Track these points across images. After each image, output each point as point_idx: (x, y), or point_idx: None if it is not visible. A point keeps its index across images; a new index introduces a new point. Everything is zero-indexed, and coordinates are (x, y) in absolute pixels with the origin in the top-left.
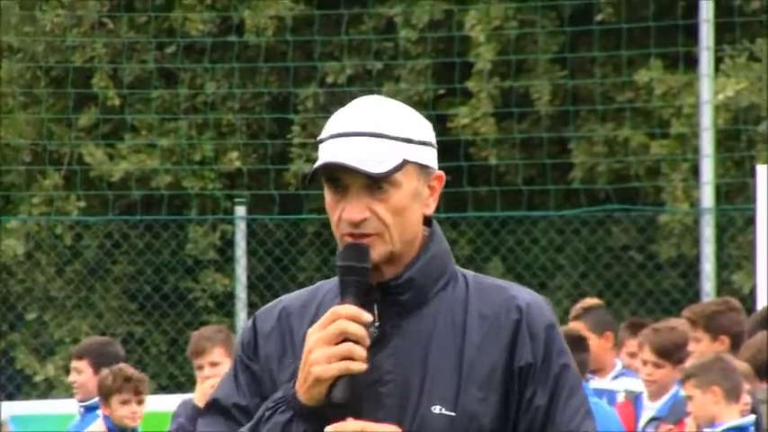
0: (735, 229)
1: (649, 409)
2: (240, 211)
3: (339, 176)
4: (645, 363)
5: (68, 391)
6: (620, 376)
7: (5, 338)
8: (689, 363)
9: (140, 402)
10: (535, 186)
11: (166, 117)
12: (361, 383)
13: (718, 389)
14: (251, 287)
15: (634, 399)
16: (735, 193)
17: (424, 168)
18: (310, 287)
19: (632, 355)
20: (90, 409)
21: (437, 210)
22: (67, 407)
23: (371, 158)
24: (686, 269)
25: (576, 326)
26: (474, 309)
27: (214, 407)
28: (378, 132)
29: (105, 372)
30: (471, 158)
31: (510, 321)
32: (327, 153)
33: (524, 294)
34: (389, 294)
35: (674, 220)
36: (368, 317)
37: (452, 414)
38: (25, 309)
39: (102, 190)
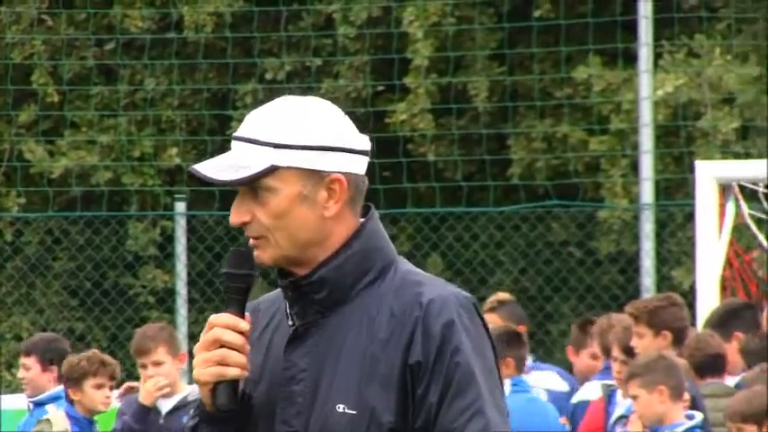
0: (674, 224)
1: (621, 405)
2: (180, 207)
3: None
4: (615, 360)
5: (9, 387)
6: (531, 371)
7: None
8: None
9: (112, 389)
10: (474, 182)
11: (106, 113)
12: (278, 382)
13: (664, 388)
14: (191, 283)
15: (608, 395)
16: (674, 188)
17: (311, 173)
18: None
19: (594, 356)
20: (39, 405)
21: (376, 206)
22: (10, 402)
23: (234, 165)
24: (626, 265)
25: (491, 318)
26: (386, 306)
27: None
28: (250, 138)
29: (75, 357)
30: (410, 154)
31: (411, 318)
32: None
33: (434, 291)
34: (304, 293)
35: (613, 216)
36: (245, 325)
37: (353, 413)
38: None
39: (43, 186)
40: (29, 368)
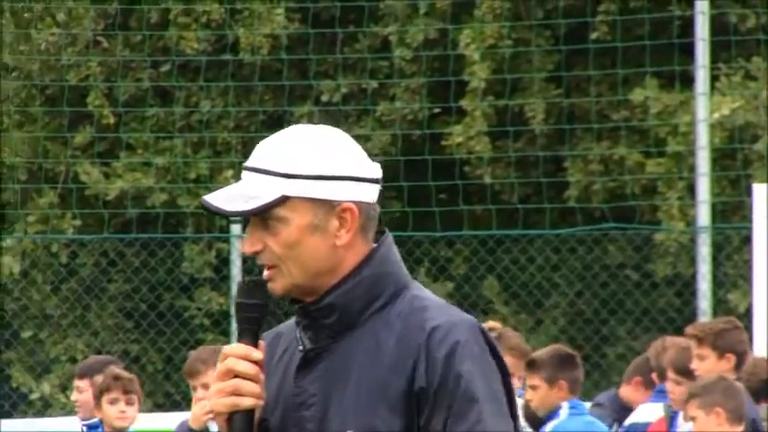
0: (731, 247)
1: (682, 428)
2: (236, 229)
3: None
4: (670, 381)
5: (64, 409)
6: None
7: (1, 356)
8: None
9: (129, 403)
10: (531, 205)
11: (161, 135)
12: (290, 407)
13: (721, 410)
14: None
15: (669, 417)
16: (731, 211)
17: (322, 202)
18: None
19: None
20: (92, 428)
21: (433, 228)
22: (64, 425)
23: (244, 195)
24: (682, 288)
25: None
26: (395, 331)
27: None
28: (261, 168)
29: (101, 376)
30: (466, 177)
31: (415, 344)
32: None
33: (441, 317)
34: (314, 318)
35: (669, 239)
36: (257, 355)
37: None
38: (21, 327)
39: (98, 208)
40: (82, 391)
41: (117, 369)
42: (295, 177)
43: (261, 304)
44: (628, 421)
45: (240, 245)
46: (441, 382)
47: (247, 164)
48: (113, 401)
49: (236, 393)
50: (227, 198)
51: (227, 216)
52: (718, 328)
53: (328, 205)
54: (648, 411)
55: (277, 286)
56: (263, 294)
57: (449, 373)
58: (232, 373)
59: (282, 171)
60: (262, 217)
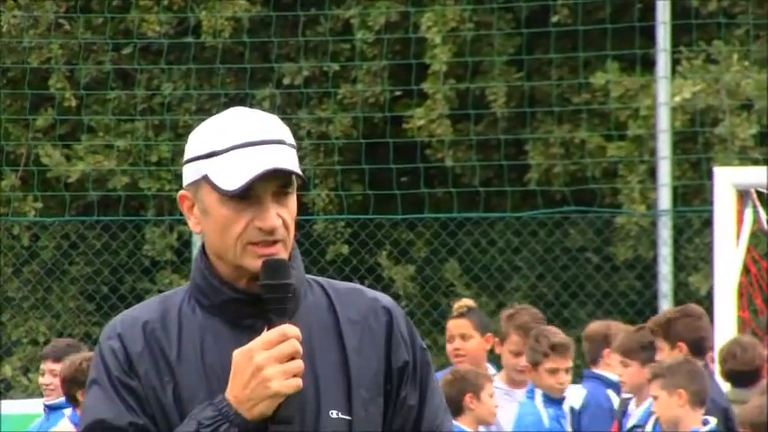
0: (692, 230)
1: (633, 416)
2: None
3: (251, 185)
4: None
5: (26, 392)
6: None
7: None
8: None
9: None
10: (492, 188)
11: (123, 118)
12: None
13: (684, 392)
14: None
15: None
16: (692, 195)
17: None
18: (155, 299)
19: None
20: (54, 409)
21: (395, 211)
22: (26, 407)
23: (291, 163)
24: (643, 271)
25: (461, 323)
26: (341, 313)
27: (100, 429)
28: (280, 139)
29: (77, 359)
30: (428, 160)
31: (381, 324)
32: (249, 162)
33: (382, 295)
34: (278, 300)
35: (630, 222)
36: (300, 335)
37: (348, 418)
38: None
39: (59, 191)
40: (56, 374)
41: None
42: (293, 149)
43: (289, 283)
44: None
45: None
46: (413, 355)
47: (264, 137)
48: None
49: (299, 375)
50: (289, 164)
51: (296, 175)
52: (665, 318)
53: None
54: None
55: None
56: (287, 272)
57: (416, 347)
58: (294, 354)
59: (292, 143)
60: (281, 190)
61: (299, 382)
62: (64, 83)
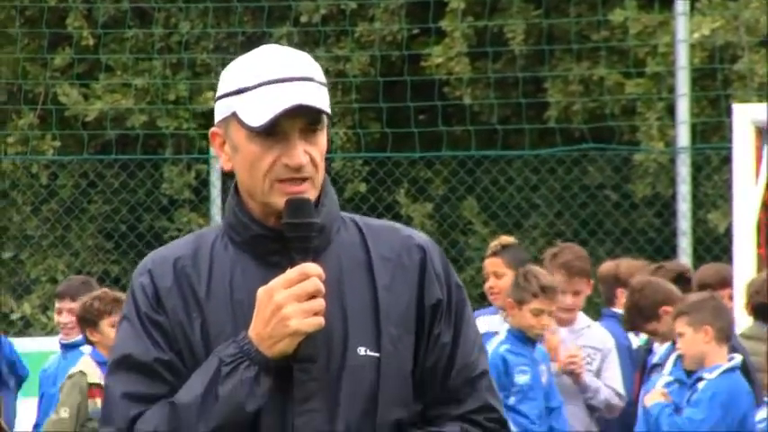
0: (710, 168)
1: (657, 354)
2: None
3: (279, 122)
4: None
5: (45, 329)
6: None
7: None
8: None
9: None
10: (510, 126)
11: (141, 57)
12: None
13: (710, 328)
14: None
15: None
16: (710, 132)
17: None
18: (189, 237)
19: None
20: (70, 348)
21: (413, 149)
22: (45, 344)
23: (319, 100)
24: (662, 208)
25: (494, 261)
26: (374, 251)
27: (127, 363)
28: (309, 77)
29: (87, 298)
30: (446, 98)
31: (414, 261)
32: (276, 98)
33: (418, 233)
34: (302, 238)
35: (649, 159)
36: (323, 275)
37: (377, 355)
38: (1, 247)
39: (77, 129)
40: (74, 313)
41: (112, 292)
42: (324, 86)
43: (314, 222)
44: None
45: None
46: (448, 294)
47: (293, 74)
48: (116, 324)
49: (320, 313)
50: (313, 101)
51: (322, 113)
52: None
53: (326, 116)
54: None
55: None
56: (311, 211)
57: (451, 284)
58: (316, 292)
59: (322, 80)
60: (309, 126)
61: (319, 320)
62: (81, 21)
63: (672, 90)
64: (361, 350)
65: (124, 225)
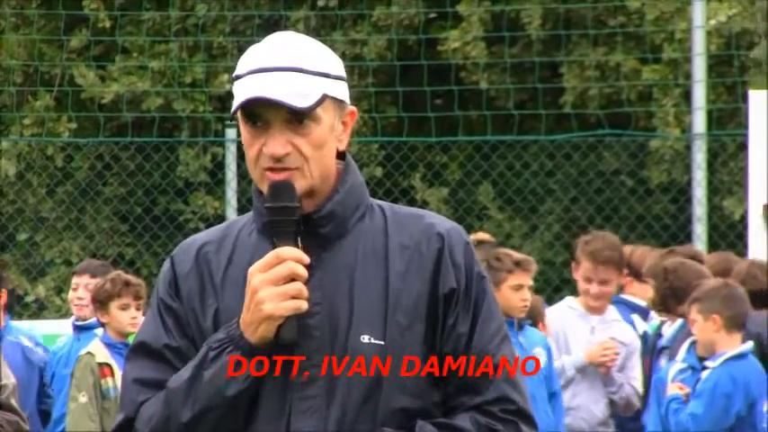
0: (726, 154)
1: (665, 338)
2: (231, 133)
3: (260, 112)
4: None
5: (59, 312)
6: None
7: None
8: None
9: (139, 309)
10: (526, 111)
11: (157, 39)
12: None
13: (717, 317)
14: (241, 210)
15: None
16: (726, 118)
17: (339, 103)
18: (224, 224)
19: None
20: (84, 329)
21: (429, 133)
22: (59, 327)
23: (295, 92)
24: (677, 194)
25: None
26: (394, 238)
27: (141, 350)
28: (298, 67)
29: (100, 280)
30: (462, 82)
31: (432, 250)
32: (249, 88)
33: (442, 222)
34: (310, 227)
35: (665, 146)
36: (307, 258)
37: (381, 342)
38: (16, 229)
39: (93, 111)
40: (89, 289)
41: (124, 275)
42: (327, 77)
43: (294, 206)
44: None
45: (234, 149)
46: (467, 283)
47: (277, 64)
48: (124, 307)
49: (297, 297)
50: (282, 94)
51: (300, 111)
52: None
53: (341, 107)
54: None
55: (296, 188)
56: (293, 195)
57: (472, 274)
58: (291, 276)
59: (318, 70)
60: (298, 118)
61: (296, 303)
62: (98, 3)
63: (688, 76)
64: (365, 338)
65: (139, 208)
